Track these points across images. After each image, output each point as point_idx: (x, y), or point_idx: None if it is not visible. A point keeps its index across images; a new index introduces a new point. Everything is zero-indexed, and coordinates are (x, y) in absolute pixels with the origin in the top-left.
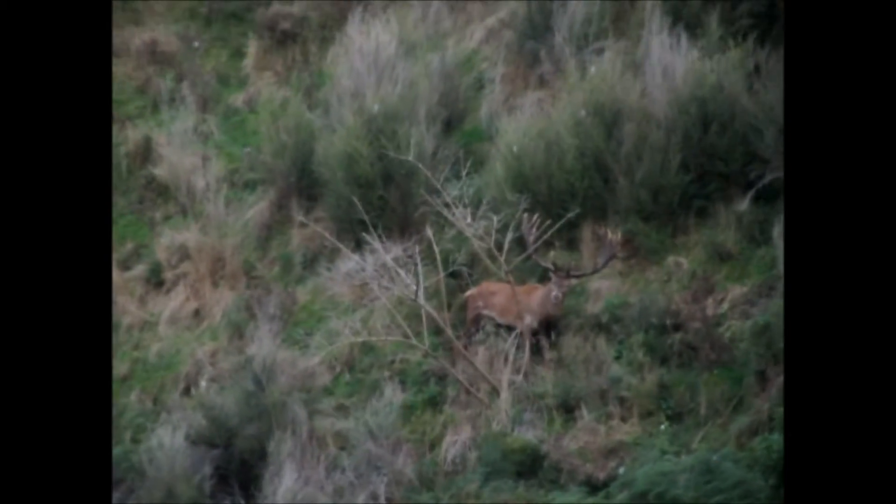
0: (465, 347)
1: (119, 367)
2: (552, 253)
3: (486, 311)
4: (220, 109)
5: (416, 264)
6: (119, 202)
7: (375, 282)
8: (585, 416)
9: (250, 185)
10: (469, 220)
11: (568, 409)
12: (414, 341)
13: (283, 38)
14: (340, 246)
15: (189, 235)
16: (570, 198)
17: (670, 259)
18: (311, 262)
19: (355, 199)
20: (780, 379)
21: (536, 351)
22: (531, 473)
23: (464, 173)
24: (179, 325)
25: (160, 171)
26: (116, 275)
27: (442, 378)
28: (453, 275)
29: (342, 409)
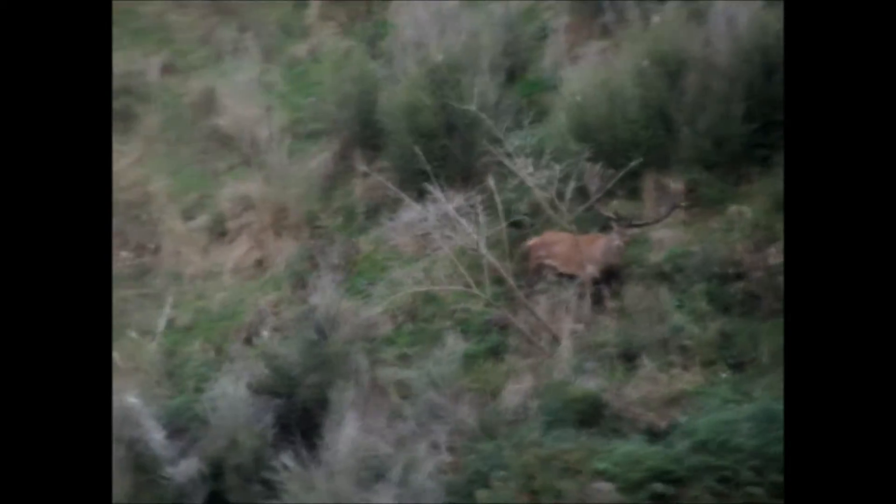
0: (527, 297)
1: (182, 317)
2: (614, 202)
3: (547, 261)
4: (284, 60)
5: (477, 214)
6: (182, 152)
7: (437, 232)
8: (647, 365)
9: (313, 136)
10: (531, 169)
11: (629, 358)
12: (475, 291)
13: None
14: (403, 195)
15: (252, 186)
16: (632, 147)
17: (733, 208)
18: (373, 212)
19: (417, 150)
20: None
21: (598, 300)
22: (592, 422)
23: (526, 123)
24: (242, 274)
25: (223, 122)
26: (180, 225)
27: (503, 327)
28: (515, 224)
29: (404, 359)
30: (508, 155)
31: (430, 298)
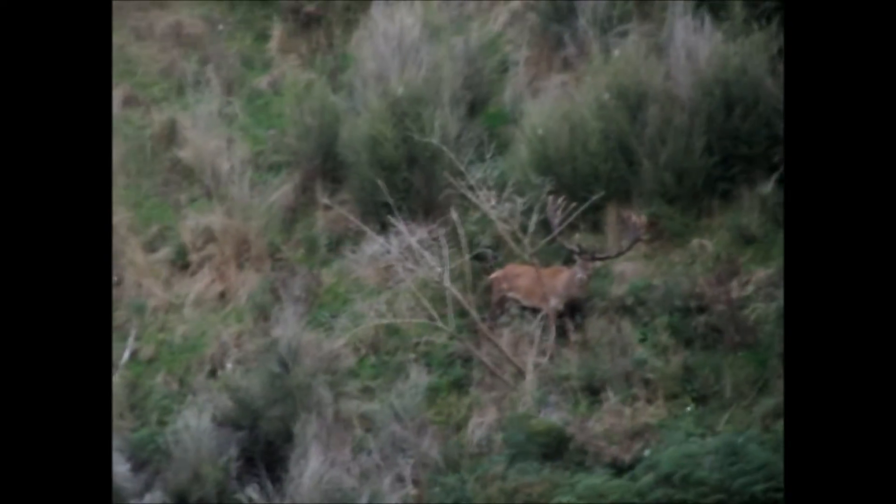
0: (491, 329)
1: (145, 350)
2: (577, 235)
3: (510, 294)
4: (245, 92)
5: (440, 247)
6: (144, 184)
7: (400, 264)
8: (611, 398)
9: (275, 168)
10: (493, 202)
11: (593, 391)
12: (439, 323)
13: (307, 21)
14: (365, 228)
15: (214, 218)
16: (594, 180)
17: (695, 242)
18: (335, 245)
19: (380, 182)
20: None
21: (561, 333)
22: (556, 455)
23: (488, 156)
24: (205, 307)
25: (185, 154)
26: (142, 257)
27: (467, 360)
28: (478, 257)
29: (367, 392)
30: (471, 188)
31: (393, 331)
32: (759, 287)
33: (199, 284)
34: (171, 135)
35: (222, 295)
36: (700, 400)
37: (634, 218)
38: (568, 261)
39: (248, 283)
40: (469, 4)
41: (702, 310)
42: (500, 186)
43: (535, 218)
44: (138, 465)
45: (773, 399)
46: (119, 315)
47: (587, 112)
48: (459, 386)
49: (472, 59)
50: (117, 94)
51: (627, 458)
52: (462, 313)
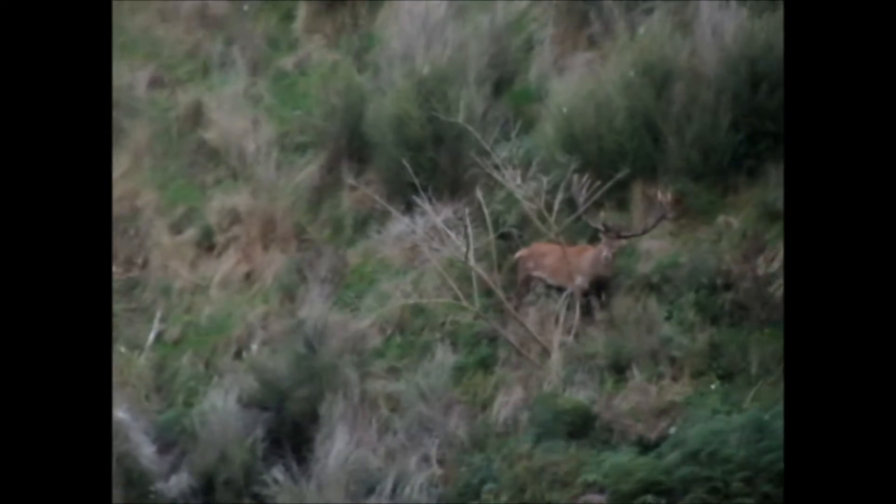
0: (516, 309)
1: (171, 331)
2: (602, 213)
3: (536, 273)
4: (271, 73)
5: (466, 226)
6: (170, 166)
7: (426, 244)
8: (637, 376)
9: (301, 148)
10: (519, 181)
11: (619, 369)
12: (465, 303)
13: (332, 1)
14: (391, 208)
15: (240, 199)
16: (620, 158)
17: (721, 219)
18: (361, 225)
19: (405, 162)
20: None
21: (587, 312)
22: (583, 434)
23: (513, 135)
24: (231, 288)
25: (211, 135)
26: (168, 238)
27: (493, 339)
28: (503, 236)
29: (393, 371)
30: (496, 167)
31: (419, 311)
32: None
33: (226, 265)
34: (196, 116)
35: (248, 276)
36: (726, 377)
37: (660, 195)
38: (593, 239)
39: (274, 264)
40: None
41: (728, 287)
42: (526, 165)
43: (560, 196)
44: (165, 447)
45: None
46: (145, 296)
47: (613, 90)
48: (485, 365)
49: (497, 38)
50: (142, 76)
51: (654, 435)
52: (488, 292)
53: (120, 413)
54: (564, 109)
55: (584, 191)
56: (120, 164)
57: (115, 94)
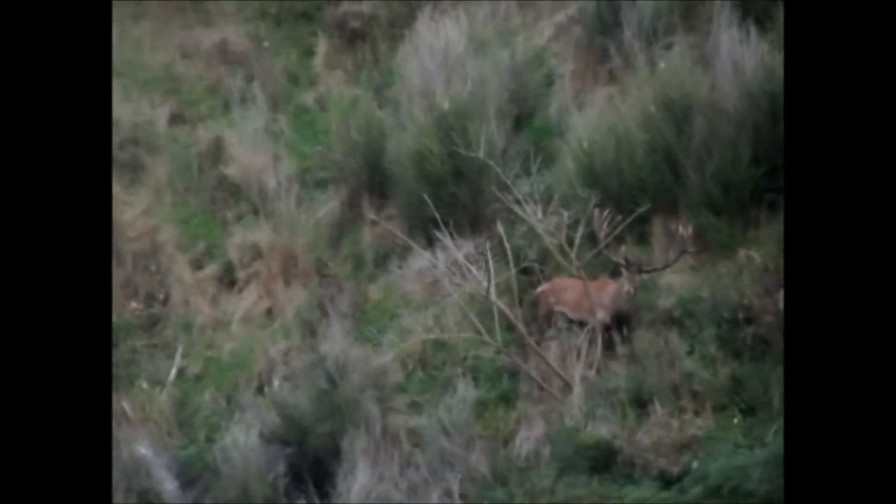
0: (538, 343)
1: (192, 367)
2: (623, 248)
3: (557, 307)
4: (291, 108)
5: (487, 261)
6: (191, 202)
7: (447, 279)
8: (658, 410)
9: (321, 184)
10: (540, 216)
11: (641, 403)
12: (486, 338)
13: (352, 37)
14: (412, 243)
15: (261, 234)
16: (640, 193)
17: (742, 253)
18: (382, 260)
19: (426, 197)
20: None
21: (609, 346)
22: (605, 468)
23: (534, 169)
24: (252, 323)
25: (231, 171)
26: (189, 274)
27: (514, 374)
28: (525, 271)
29: (415, 406)
30: (517, 201)
31: (440, 345)
32: None
33: (247, 301)
34: (217, 152)
35: (269, 311)
36: (748, 411)
37: (681, 230)
38: (615, 273)
39: (295, 300)
40: (514, 18)
41: (749, 321)
42: (547, 200)
43: (581, 231)
44: (187, 483)
45: None
46: (167, 333)
47: (633, 124)
48: (507, 400)
49: (517, 73)
50: (163, 112)
51: (676, 470)
52: (509, 327)
53: (142, 449)
54: (585, 144)
55: (604, 225)
56: (141, 200)
57: (135, 131)
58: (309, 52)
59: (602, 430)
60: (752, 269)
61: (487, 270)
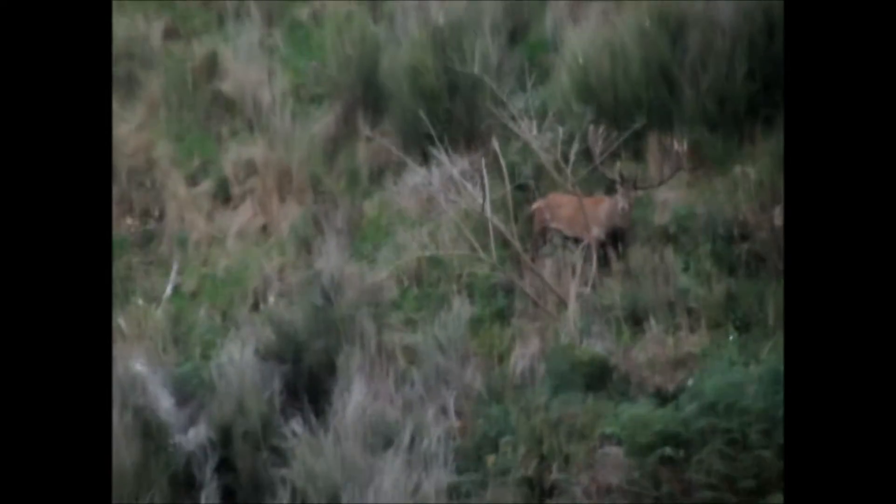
0: (533, 260)
1: (187, 283)
2: (619, 164)
3: (553, 224)
4: (286, 23)
5: (482, 177)
6: (185, 117)
7: (442, 195)
8: (654, 327)
9: (316, 99)
10: (535, 132)
11: (636, 320)
12: (481, 255)
13: None
14: (407, 159)
15: (256, 150)
16: (635, 108)
17: (737, 169)
18: (377, 176)
19: (421, 113)
20: None
21: (604, 263)
22: (600, 385)
23: (529, 85)
24: (247, 240)
25: (226, 86)
26: (184, 190)
27: (510, 291)
28: (520, 187)
29: (410, 323)
30: (512, 117)
31: (435, 262)
32: None
33: (242, 217)
34: (212, 67)
35: (264, 228)
36: (743, 328)
37: (676, 146)
38: (610, 190)
39: (290, 216)
40: None
41: (745, 237)
42: (542, 116)
43: (576, 147)
44: (182, 400)
45: None
46: (162, 249)
47: (628, 39)
48: (502, 317)
49: None
50: (158, 27)
51: (671, 387)
52: (504, 244)
53: (138, 366)
54: (580, 59)
55: (600, 141)
56: (135, 115)
57: (129, 46)
58: None
59: (597, 346)
60: (748, 184)
61: (482, 187)
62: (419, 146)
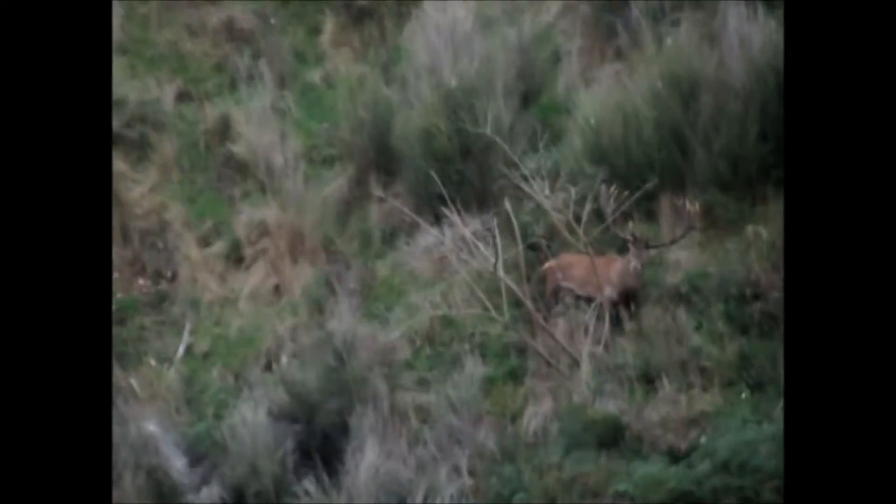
0: (545, 320)
1: (200, 344)
2: (631, 224)
3: (565, 283)
4: (298, 86)
5: (494, 237)
6: (198, 180)
7: (454, 255)
8: (666, 386)
9: (328, 161)
10: (547, 192)
11: (649, 379)
12: (494, 314)
13: (359, 15)
14: (419, 220)
15: (268, 212)
16: (648, 169)
17: (749, 229)
18: (390, 237)
19: (433, 174)
20: None
21: (616, 322)
22: (612, 444)
23: (541, 146)
24: (260, 301)
25: (238, 149)
26: (196, 252)
27: (522, 351)
28: (532, 247)
29: (423, 383)
30: (524, 178)
31: (448, 322)
32: None
33: (254, 278)
34: (224, 130)
35: (277, 289)
36: (756, 387)
37: (688, 206)
38: (622, 250)
39: (302, 277)
40: None
41: (757, 297)
42: (554, 176)
43: (588, 207)
44: (195, 460)
45: None
46: (174, 310)
47: (640, 101)
48: (515, 376)
49: (524, 50)
50: (170, 90)
51: (684, 445)
52: (517, 304)
53: (150, 426)
54: (592, 121)
55: (612, 201)
56: (148, 177)
57: (142, 109)
58: (316, 30)
59: (610, 406)
60: (760, 245)
61: (495, 247)
62: (431, 207)
